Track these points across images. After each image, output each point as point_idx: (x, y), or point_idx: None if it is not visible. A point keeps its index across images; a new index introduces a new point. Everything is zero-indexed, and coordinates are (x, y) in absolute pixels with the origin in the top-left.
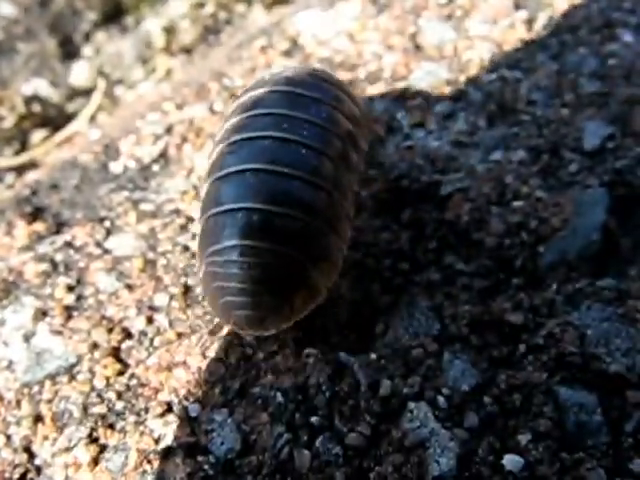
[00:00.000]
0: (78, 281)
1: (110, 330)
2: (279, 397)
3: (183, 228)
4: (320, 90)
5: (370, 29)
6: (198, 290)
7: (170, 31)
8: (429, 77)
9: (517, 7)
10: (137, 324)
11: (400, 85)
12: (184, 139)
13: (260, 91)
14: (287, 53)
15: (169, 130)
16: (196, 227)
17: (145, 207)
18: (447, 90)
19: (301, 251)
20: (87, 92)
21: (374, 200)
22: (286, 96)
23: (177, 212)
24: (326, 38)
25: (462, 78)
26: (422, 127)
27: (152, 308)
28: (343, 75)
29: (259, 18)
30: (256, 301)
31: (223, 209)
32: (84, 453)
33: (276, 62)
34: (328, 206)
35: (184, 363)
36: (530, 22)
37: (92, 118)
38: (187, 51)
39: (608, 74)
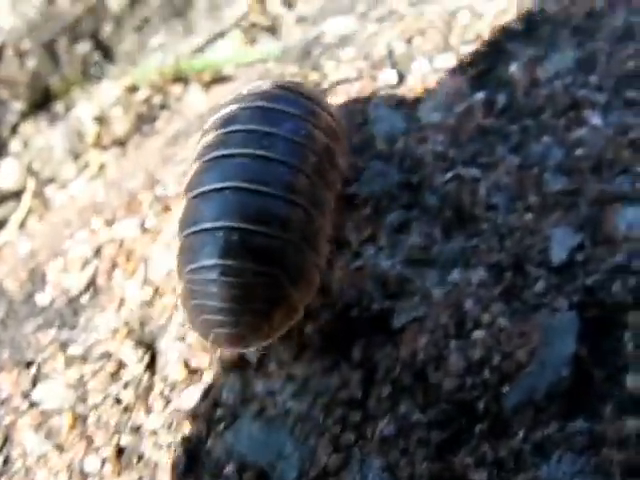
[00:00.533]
0: (5, 440)
1: None
2: None
3: (114, 376)
4: (296, 105)
5: None
6: (132, 450)
7: (102, 121)
8: (379, 179)
9: (474, 88)
10: None
11: (349, 190)
12: (114, 264)
13: (236, 106)
14: None
15: (98, 252)
16: (174, 243)
17: (74, 350)
18: (399, 194)
19: (280, 269)
20: (16, 194)
21: (321, 334)
22: (261, 112)
23: (107, 356)
24: None
25: (415, 179)
26: (372, 242)
27: (83, 473)
28: None
29: (197, 100)
30: (235, 320)
31: (202, 227)
32: None
33: None
34: (306, 223)
35: None
36: (489, 105)
37: (22, 224)
38: (120, 143)
39: (576, 167)
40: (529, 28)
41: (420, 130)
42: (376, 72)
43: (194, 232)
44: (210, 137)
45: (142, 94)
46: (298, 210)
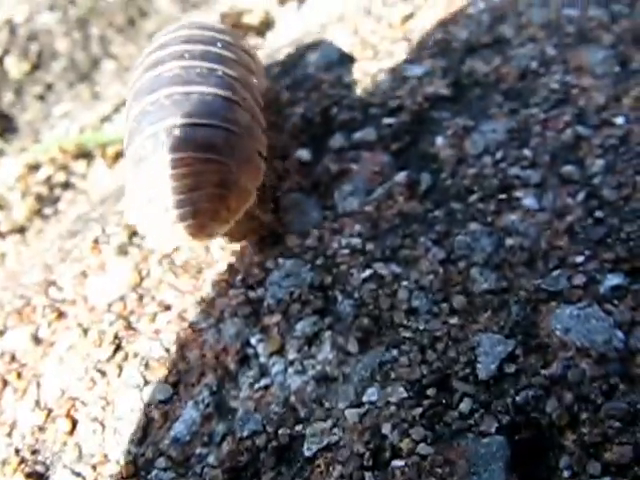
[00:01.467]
0: None
1: None
2: None
3: None
4: (215, 29)
5: None
6: None
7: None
8: (289, 280)
9: (396, 166)
10: None
11: (254, 294)
12: (4, 382)
13: (165, 37)
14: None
15: None
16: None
17: None
18: (310, 298)
19: (225, 155)
20: None
21: (222, 468)
22: (188, 34)
23: None
24: None
25: (328, 279)
26: (281, 355)
27: None
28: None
29: (102, 178)
30: (195, 209)
31: (145, 135)
32: None
33: (109, 261)
34: (241, 113)
35: None
36: (412, 187)
37: None
38: (20, 230)
39: (506, 260)
40: (457, 92)
41: (335, 219)
42: (288, 148)
43: (140, 143)
44: (144, 60)
45: (43, 172)
46: (232, 103)
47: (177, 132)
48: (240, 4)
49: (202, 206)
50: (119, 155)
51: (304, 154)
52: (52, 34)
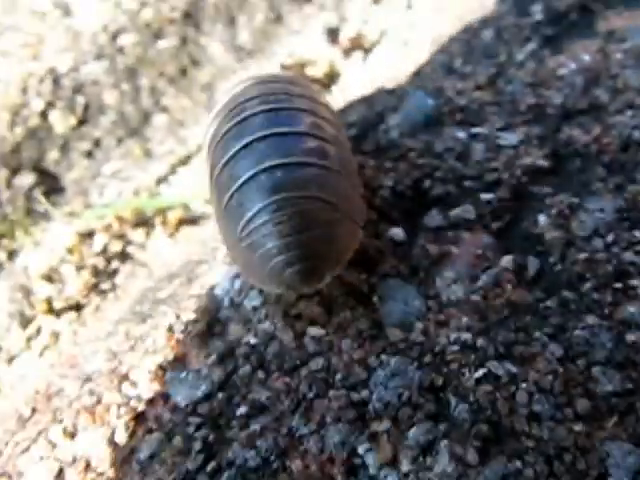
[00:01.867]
0: None
1: None
2: None
3: None
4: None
5: None
6: None
7: (51, 278)
8: (396, 380)
9: (499, 248)
10: None
11: (358, 396)
12: None
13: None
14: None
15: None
16: (216, 223)
17: None
18: (421, 401)
19: (329, 193)
20: None
21: None
22: (272, 83)
23: None
24: None
25: (439, 380)
26: (393, 467)
27: None
28: None
29: (162, 249)
30: (305, 252)
31: (243, 180)
32: None
33: (189, 353)
34: (335, 153)
35: None
36: (519, 272)
37: None
38: (75, 307)
39: (629, 359)
40: (556, 163)
41: (440, 310)
42: (379, 226)
43: (236, 189)
44: (222, 115)
45: (98, 242)
46: (325, 143)
47: (278, 173)
48: (300, 53)
49: (310, 248)
50: (182, 222)
51: (398, 233)
52: (99, 85)
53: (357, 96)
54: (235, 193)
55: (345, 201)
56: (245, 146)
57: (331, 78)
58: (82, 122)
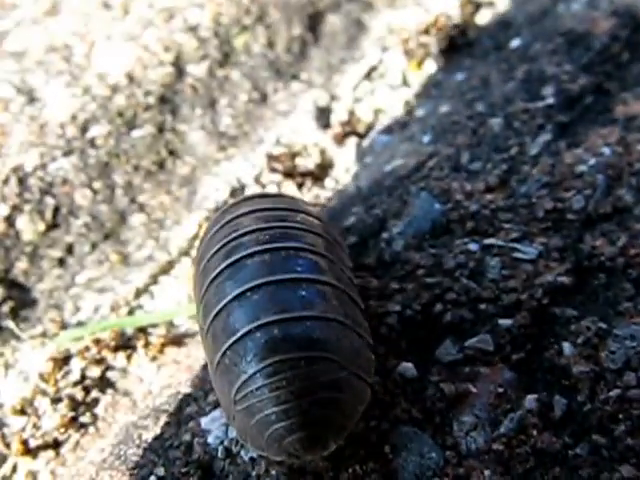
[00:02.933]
0: None
1: None
2: None
3: None
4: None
5: None
6: None
7: (24, 411)
8: None
9: (521, 385)
10: None
11: None
12: None
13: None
14: None
15: None
16: (212, 379)
17: None
18: None
19: (332, 350)
20: None
21: None
22: (267, 210)
23: None
24: None
25: None
26: None
27: None
28: None
29: (145, 374)
30: (307, 419)
31: (236, 337)
32: None
33: None
34: (339, 299)
35: None
36: (544, 414)
37: None
38: (54, 445)
39: None
40: (579, 280)
41: (459, 462)
42: (387, 359)
43: (229, 346)
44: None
45: (74, 368)
46: (327, 288)
47: (275, 330)
48: (288, 139)
49: (313, 415)
50: (166, 343)
51: (409, 369)
52: (69, 184)
53: (353, 192)
54: (228, 351)
55: (351, 355)
56: (239, 296)
57: (323, 169)
58: (52, 227)
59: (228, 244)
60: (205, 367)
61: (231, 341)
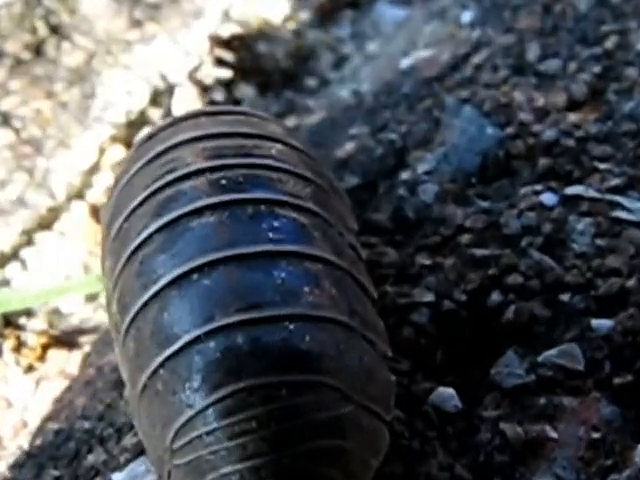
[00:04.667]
0: None
1: None
2: None
3: None
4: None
5: None
6: None
7: None
8: None
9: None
10: None
11: None
12: None
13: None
14: None
15: None
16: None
17: None
18: None
19: (331, 371)
20: None
21: None
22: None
23: None
24: None
25: None
26: None
27: None
28: None
29: (21, 396)
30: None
31: (177, 346)
32: None
33: None
34: (339, 286)
35: None
36: None
37: None
38: None
39: None
40: None
41: None
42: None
43: (167, 358)
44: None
45: None
46: (322, 266)
47: (239, 337)
48: (241, 12)
49: (298, 477)
50: (48, 345)
51: (448, 398)
52: None
53: (349, 102)
54: (161, 369)
55: (360, 378)
56: (178, 279)
57: (299, 62)
58: None
59: (159, 193)
60: (118, 385)
61: (167, 354)
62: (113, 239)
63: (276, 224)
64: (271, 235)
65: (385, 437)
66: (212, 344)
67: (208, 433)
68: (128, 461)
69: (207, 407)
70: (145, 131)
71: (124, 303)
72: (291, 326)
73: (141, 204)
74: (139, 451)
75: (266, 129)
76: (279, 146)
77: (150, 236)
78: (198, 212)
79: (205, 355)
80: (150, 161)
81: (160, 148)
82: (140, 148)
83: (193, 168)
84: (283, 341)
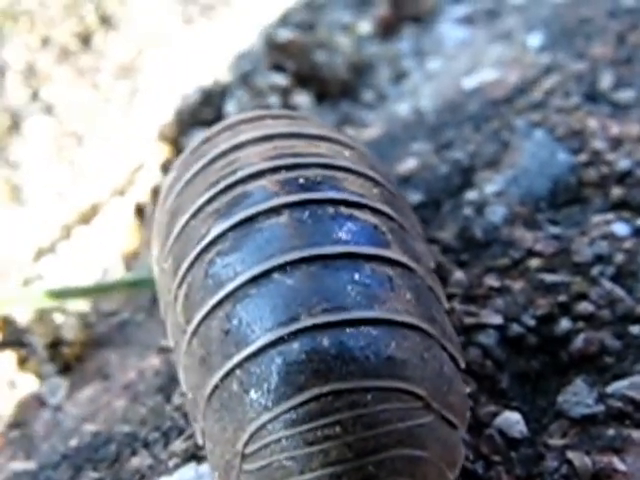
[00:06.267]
0: None
1: None
2: None
3: None
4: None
5: None
6: None
7: None
8: None
9: None
10: None
11: None
12: None
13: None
14: None
15: None
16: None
17: None
18: None
19: (415, 379)
20: None
21: None
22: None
23: None
24: None
25: None
26: None
27: None
28: None
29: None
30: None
31: (255, 348)
32: None
33: None
34: (416, 292)
35: None
36: None
37: None
38: None
39: None
40: None
41: None
42: (485, 408)
43: (243, 361)
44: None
45: None
46: (401, 270)
47: (324, 339)
48: (300, 18)
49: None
50: (86, 345)
51: (514, 423)
52: None
53: (409, 118)
54: (238, 370)
55: (441, 388)
56: (258, 277)
57: (357, 74)
58: None
59: (227, 191)
60: (163, 389)
61: (244, 354)
62: (175, 239)
63: (356, 226)
64: (352, 236)
65: (461, 450)
66: (296, 345)
67: (288, 437)
68: (177, 466)
69: (288, 410)
70: (196, 131)
71: (192, 302)
72: (376, 330)
73: (208, 203)
74: (189, 456)
75: (332, 133)
76: (348, 149)
77: (223, 234)
78: (275, 210)
79: (288, 356)
80: (213, 161)
81: (224, 147)
82: (199, 149)
83: (264, 166)
84: (370, 345)
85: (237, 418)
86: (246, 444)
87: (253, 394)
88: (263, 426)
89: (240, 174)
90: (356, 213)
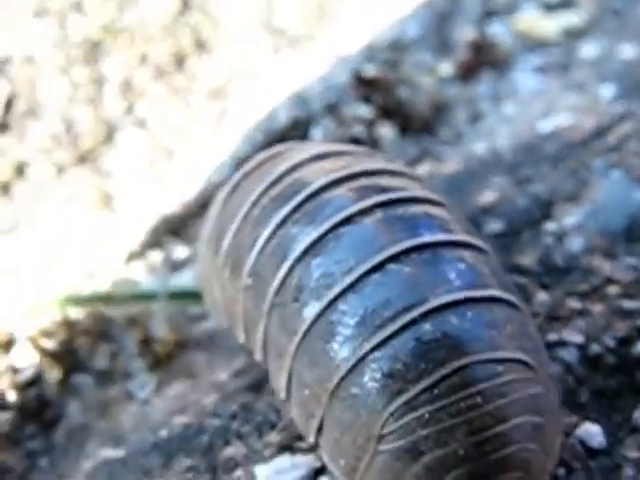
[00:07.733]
0: None
1: None
2: None
3: None
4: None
5: None
6: None
7: None
8: None
9: None
10: None
11: None
12: None
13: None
14: None
15: None
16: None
17: None
18: None
19: (527, 348)
20: None
21: None
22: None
23: None
24: None
25: None
26: None
27: None
28: None
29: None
30: (509, 459)
31: (394, 328)
32: None
33: None
34: (511, 321)
35: None
36: None
37: None
38: None
39: None
40: None
41: None
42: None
43: (371, 350)
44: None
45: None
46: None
47: (452, 318)
48: (385, 56)
49: (516, 455)
50: (177, 345)
51: (594, 435)
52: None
53: (486, 155)
54: (369, 356)
55: (542, 359)
56: (372, 272)
57: (437, 112)
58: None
59: (307, 202)
60: (255, 388)
61: (375, 342)
62: (259, 254)
63: (445, 214)
64: (448, 226)
65: (563, 417)
66: (428, 326)
67: (431, 412)
68: (273, 456)
69: (431, 386)
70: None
71: (303, 302)
72: (494, 307)
73: (295, 210)
74: (284, 447)
75: (398, 167)
76: (417, 181)
77: (328, 232)
78: (368, 210)
79: (424, 336)
80: (275, 182)
81: (283, 168)
82: (251, 174)
83: (342, 174)
84: (494, 320)
85: (372, 401)
86: (384, 425)
87: (389, 377)
88: (405, 404)
89: (310, 189)
90: (441, 211)
